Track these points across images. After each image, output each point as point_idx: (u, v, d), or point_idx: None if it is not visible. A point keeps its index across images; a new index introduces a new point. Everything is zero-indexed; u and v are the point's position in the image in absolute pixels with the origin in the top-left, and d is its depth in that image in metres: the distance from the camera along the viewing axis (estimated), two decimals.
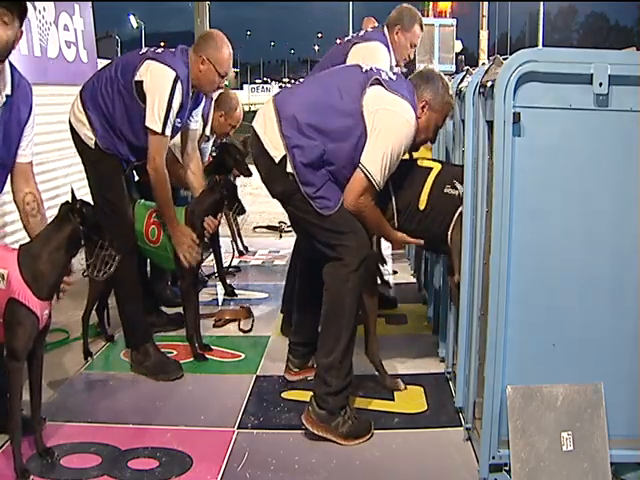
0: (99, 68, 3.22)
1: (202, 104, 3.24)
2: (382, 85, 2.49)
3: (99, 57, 6.46)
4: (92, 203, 2.67)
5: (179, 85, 2.89)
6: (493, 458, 2.13)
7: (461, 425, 2.50)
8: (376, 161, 2.46)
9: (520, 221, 2.06)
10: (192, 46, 3.06)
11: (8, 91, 2.29)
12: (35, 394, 2.32)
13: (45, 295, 2.24)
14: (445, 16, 22.99)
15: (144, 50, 3.04)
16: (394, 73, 2.66)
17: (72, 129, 3.02)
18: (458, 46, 14.43)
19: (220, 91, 4.14)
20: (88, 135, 2.96)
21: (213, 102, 4.12)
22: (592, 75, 1.99)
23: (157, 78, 2.88)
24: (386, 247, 4.92)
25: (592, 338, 2.12)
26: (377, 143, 2.45)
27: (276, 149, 2.47)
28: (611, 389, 2.11)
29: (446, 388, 2.85)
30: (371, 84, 2.49)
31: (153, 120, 2.88)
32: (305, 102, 2.51)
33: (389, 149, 2.45)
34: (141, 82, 2.88)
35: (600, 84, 1.99)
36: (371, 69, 2.56)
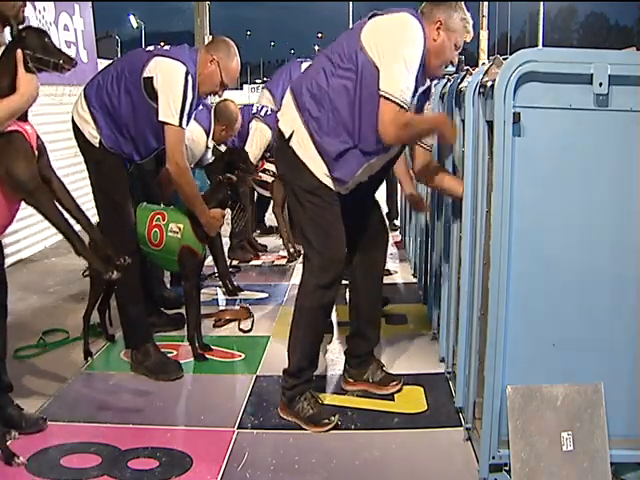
0: (102, 67, 3.21)
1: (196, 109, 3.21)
2: (379, 15, 2.47)
3: (99, 57, 6.47)
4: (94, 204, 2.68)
5: (190, 79, 2.88)
6: (493, 458, 2.13)
7: (461, 425, 2.50)
8: (392, 81, 2.35)
9: (520, 221, 2.06)
10: (204, 45, 3.09)
11: None
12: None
13: None
14: None
15: (150, 48, 3.04)
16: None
17: (75, 127, 3.00)
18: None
19: (218, 101, 4.16)
20: (92, 134, 2.94)
21: (212, 113, 4.13)
22: (592, 75, 1.99)
23: (168, 73, 2.86)
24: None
25: (592, 338, 2.12)
26: (388, 63, 2.35)
27: (287, 125, 2.51)
28: (611, 389, 2.11)
29: (446, 388, 2.84)
30: (369, 18, 2.47)
31: (169, 114, 2.85)
32: (308, 75, 2.55)
33: (401, 62, 2.34)
34: (150, 79, 2.86)
35: (600, 84, 1.99)
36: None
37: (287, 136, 2.50)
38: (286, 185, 2.64)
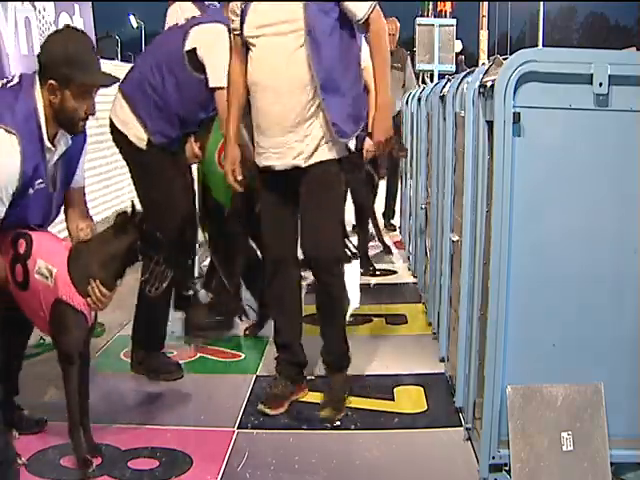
0: (132, 65, 3.16)
1: None
2: None
3: (99, 57, 6.45)
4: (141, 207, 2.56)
5: None
6: (493, 458, 2.13)
7: (461, 425, 2.50)
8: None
9: (520, 221, 2.06)
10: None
11: (69, 141, 2.26)
12: (83, 396, 2.30)
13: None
14: (445, 16, 23.00)
15: (181, 23, 2.98)
16: None
17: (117, 131, 2.91)
18: (458, 46, 14.45)
19: None
20: (139, 136, 2.85)
21: None
22: (592, 75, 1.99)
23: (210, 37, 2.82)
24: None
25: (592, 338, 2.12)
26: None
27: None
28: (611, 389, 2.11)
29: (446, 388, 2.84)
30: None
31: (221, 77, 2.78)
32: None
33: None
34: (193, 50, 2.80)
35: (600, 84, 1.99)
36: None
37: None
38: None
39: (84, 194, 2.44)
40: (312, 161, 2.54)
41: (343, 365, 2.77)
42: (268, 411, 2.61)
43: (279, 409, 2.64)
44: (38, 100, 2.13)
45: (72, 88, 2.11)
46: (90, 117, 2.21)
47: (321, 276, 2.66)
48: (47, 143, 2.16)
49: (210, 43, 2.82)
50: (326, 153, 2.55)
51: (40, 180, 2.16)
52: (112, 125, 2.93)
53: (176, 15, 3.23)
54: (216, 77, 2.79)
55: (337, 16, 2.48)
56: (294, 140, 2.51)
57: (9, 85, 2.16)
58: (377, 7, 2.52)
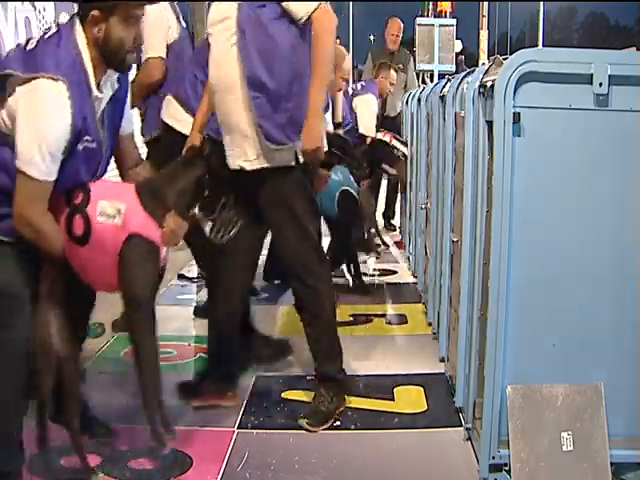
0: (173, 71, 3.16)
1: None
2: None
3: None
4: None
5: None
6: (493, 458, 2.13)
7: (461, 425, 2.50)
8: None
9: (520, 221, 2.06)
10: None
11: (116, 85, 2.14)
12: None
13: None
14: (445, 16, 23.00)
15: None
16: None
17: (175, 132, 2.88)
18: (458, 46, 14.45)
19: None
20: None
21: None
22: (592, 75, 1.99)
23: None
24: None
25: (592, 338, 2.12)
26: None
27: None
28: (611, 389, 2.11)
29: (446, 388, 2.84)
30: None
31: None
32: None
33: None
34: None
35: (600, 84, 1.99)
36: None
37: None
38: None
39: (134, 139, 2.34)
40: (257, 165, 2.45)
41: (329, 376, 2.65)
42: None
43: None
44: (81, 43, 1.99)
45: (118, 14, 1.98)
46: None
47: (292, 287, 2.66)
48: (95, 90, 2.03)
49: None
50: (271, 159, 2.45)
51: (89, 137, 2.02)
52: (168, 129, 2.93)
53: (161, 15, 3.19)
54: None
55: (276, 16, 2.40)
56: (238, 140, 2.47)
57: (47, 36, 2.01)
58: (325, 6, 2.43)
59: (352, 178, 3.53)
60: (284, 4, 2.39)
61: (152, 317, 2.13)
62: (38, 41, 1.99)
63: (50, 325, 2.02)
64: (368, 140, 4.80)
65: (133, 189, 2.11)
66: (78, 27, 2.00)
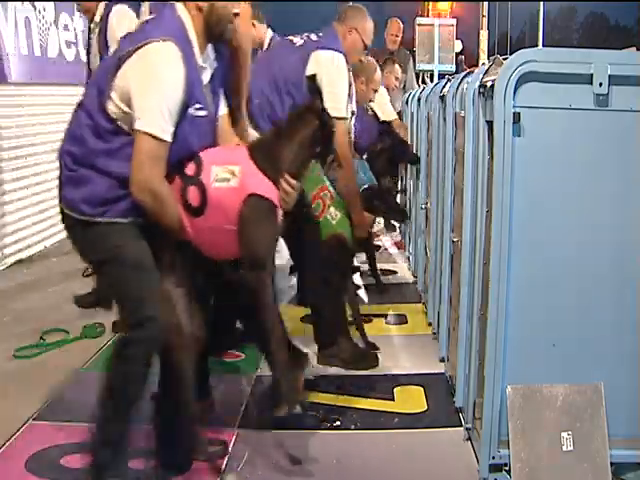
0: None
1: None
2: None
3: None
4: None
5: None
6: (493, 458, 2.13)
7: (461, 425, 2.50)
8: None
9: (520, 221, 2.06)
10: (337, 21, 3.06)
11: (214, 64, 2.15)
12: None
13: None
14: (445, 16, 22.97)
15: (296, 40, 3.01)
16: None
17: None
18: (458, 46, 14.44)
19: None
20: None
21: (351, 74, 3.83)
22: (592, 75, 1.99)
23: (333, 67, 2.87)
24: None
25: (592, 338, 2.12)
26: None
27: None
28: (611, 389, 2.11)
29: (446, 388, 2.84)
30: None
31: (339, 108, 2.82)
32: None
33: None
34: (313, 76, 2.66)
35: (600, 84, 1.99)
36: None
37: None
38: None
39: (229, 120, 2.31)
40: None
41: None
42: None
43: None
44: (183, 15, 2.03)
45: None
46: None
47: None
48: (199, 60, 2.05)
49: (332, 72, 2.84)
50: None
51: (198, 104, 2.02)
52: None
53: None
54: (336, 107, 2.77)
55: None
56: None
57: (148, 19, 2.10)
58: None
59: (372, 176, 3.55)
60: None
61: (273, 278, 2.09)
62: (141, 25, 2.08)
63: (175, 304, 2.05)
64: (395, 122, 4.89)
65: (245, 150, 2.08)
66: (179, 4, 2.04)
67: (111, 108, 1.95)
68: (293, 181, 2.10)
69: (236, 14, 2.10)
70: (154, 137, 1.91)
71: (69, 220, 2.04)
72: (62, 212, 2.07)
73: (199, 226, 2.05)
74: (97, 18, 3.33)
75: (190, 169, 2.05)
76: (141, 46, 1.92)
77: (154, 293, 2.01)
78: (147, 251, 2.03)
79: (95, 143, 1.97)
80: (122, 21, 3.16)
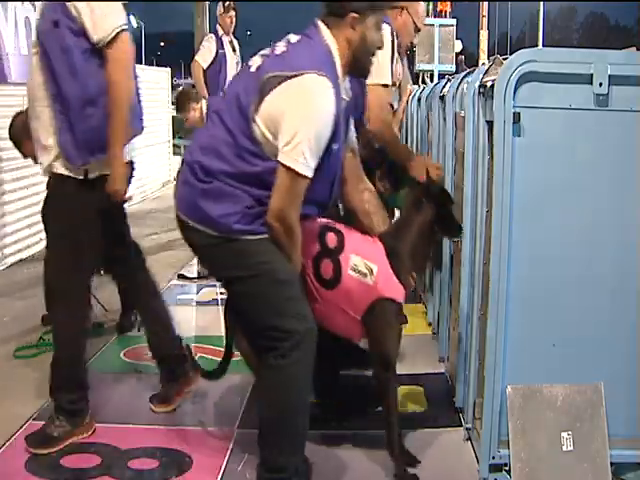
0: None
1: None
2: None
3: None
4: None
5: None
6: (493, 458, 2.13)
7: (461, 425, 2.50)
8: None
9: (520, 221, 2.06)
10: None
11: (350, 92, 2.12)
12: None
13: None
14: (445, 16, 22.98)
15: None
16: None
17: None
18: (458, 46, 14.45)
19: None
20: None
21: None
22: (592, 75, 1.99)
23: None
24: None
25: (592, 338, 2.12)
26: None
27: None
28: (611, 389, 2.11)
29: (446, 388, 2.84)
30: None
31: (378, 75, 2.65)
32: None
33: None
34: None
35: (600, 84, 1.99)
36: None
37: None
38: None
39: (356, 154, 2.27)
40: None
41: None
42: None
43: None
44: (332, 46, 1.95)
45: (375, 16, 1.97)
46: None
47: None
48: (342, 92, 1.97)
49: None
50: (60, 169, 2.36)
51: (336, 140, 1.96)
52: None
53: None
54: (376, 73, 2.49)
55: (72, 31, 2.25)
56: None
57: (293, 41, 1.98)
58: (125, 35, 2.27)
59: None
60: (81, 17, 2.23)
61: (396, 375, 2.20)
62: (286, 46, 1.96)
63: None
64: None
65: (382, 251, 2.12)
66: (325, 30, 1.97)
67: (256, 131, 1.89)
68: (415, 278, 2.18)
69: (380, 47, 2.05)
70: (297, 174, 1.87)
71: (198, 235, 1.98)
72: (185, 225, 2.01)
73: (321, 295, 2.11)
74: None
75: (331, 241, 2.11)
76: (296, 75, 1.85)
77: (304, 306, 2.00)
78: (292, 267, 2.01)
79: (235, 162, 1.92)
80: None
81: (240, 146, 1.91)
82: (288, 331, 1.94)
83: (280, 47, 1.97)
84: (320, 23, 1.98)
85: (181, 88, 4.76)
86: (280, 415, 2.01)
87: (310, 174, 1.89)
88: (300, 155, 1.85)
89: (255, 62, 1.98)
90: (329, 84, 1.86)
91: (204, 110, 4.60)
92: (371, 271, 2.07)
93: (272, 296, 1.97)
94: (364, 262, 2.07)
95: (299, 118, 1.85)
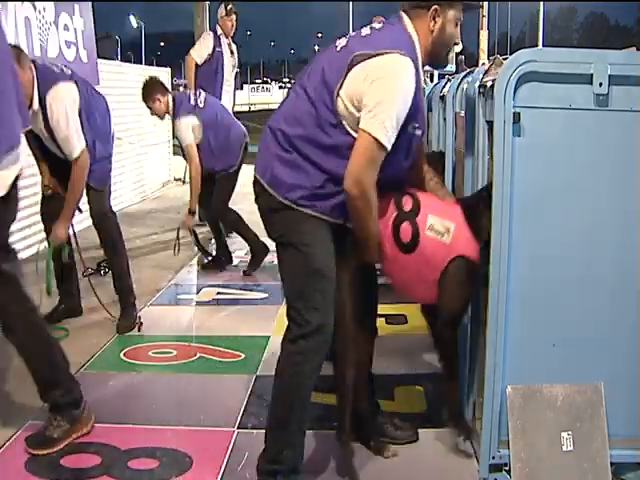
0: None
1: None
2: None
3: (99, 57, 6.47)
4: None
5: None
6: (493, 458, 2.13)
7: None
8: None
9: (520, 221, 2.06)
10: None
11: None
12: None
13: None
14: None
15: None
16: None
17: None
18: (458, 46, 14.49)
19: None
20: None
21: None
22: (592, 75, 1.99)
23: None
24: None
25: (592, 338, 2.12)
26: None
27: None
28: (611, 389, 2.11)
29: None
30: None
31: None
32: None
33: None
34: None
35: (600, 84, 1.99)
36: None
37: None
38: None
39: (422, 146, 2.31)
40: None
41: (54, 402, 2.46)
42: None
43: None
44: (412, 33, 2.04)
45: (456, 10, 2.06)
46: None
47: None
48: (422, 81, 2.06)
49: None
50: None
51: (416, 124, 2.04)
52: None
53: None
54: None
55: None
56: None
57: (377, 27, 2.06)
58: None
59: None
60: None
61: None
62: (371, 30, 2.05)
63: (347, 314, 2.13)
64: None
65: (459, 209, 2.15)
66: (407, 20, 2.06)
67: (339, 105, 1.97)
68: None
69: (456, 43, 2.12)
70: (378, 142, 1.93)
71: (267, 197, 2.06)
72: (259, 184, 2.09)
73: (401, 261, 2.12)
74: (35, 106, 3.10)
75: (407, 204, 2.12)
76: (382, 53, 1.94)
77: (329, 302, 2.03)
78: (332, 258, 2.06)
79: (315, 132, 1.99)
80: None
81: (322, 117, 1.99)
82: (305, 319, 2.00)
83: (365, 31, 2.07)
84: (403, 14, 2.07)
85: (149, 77, 4.67)
86: (280, 402, 2.11)
87: (388, 145, 1.95)
88: (381, 123, 1.93)
89: (340, 43, 2.07)
90: (411, 64, 1.95)
91: (170, 105, 4.56)
92: (448, 230, 2.10)
93: (303, 279, 2.03)
94: (441, 221, 2.10)
95: (382, 90, 1.93)
